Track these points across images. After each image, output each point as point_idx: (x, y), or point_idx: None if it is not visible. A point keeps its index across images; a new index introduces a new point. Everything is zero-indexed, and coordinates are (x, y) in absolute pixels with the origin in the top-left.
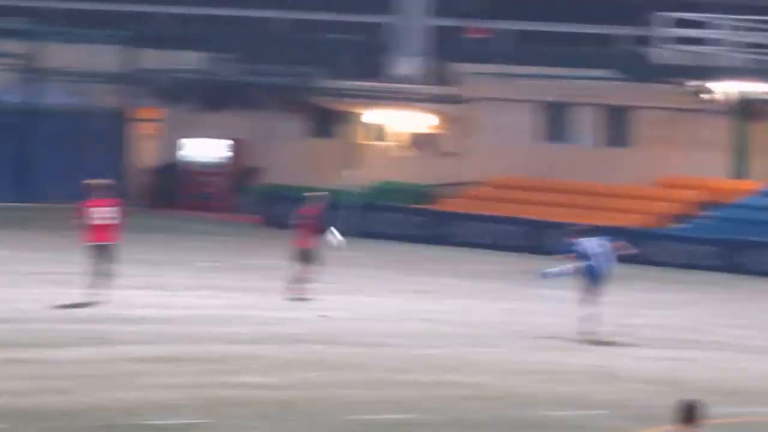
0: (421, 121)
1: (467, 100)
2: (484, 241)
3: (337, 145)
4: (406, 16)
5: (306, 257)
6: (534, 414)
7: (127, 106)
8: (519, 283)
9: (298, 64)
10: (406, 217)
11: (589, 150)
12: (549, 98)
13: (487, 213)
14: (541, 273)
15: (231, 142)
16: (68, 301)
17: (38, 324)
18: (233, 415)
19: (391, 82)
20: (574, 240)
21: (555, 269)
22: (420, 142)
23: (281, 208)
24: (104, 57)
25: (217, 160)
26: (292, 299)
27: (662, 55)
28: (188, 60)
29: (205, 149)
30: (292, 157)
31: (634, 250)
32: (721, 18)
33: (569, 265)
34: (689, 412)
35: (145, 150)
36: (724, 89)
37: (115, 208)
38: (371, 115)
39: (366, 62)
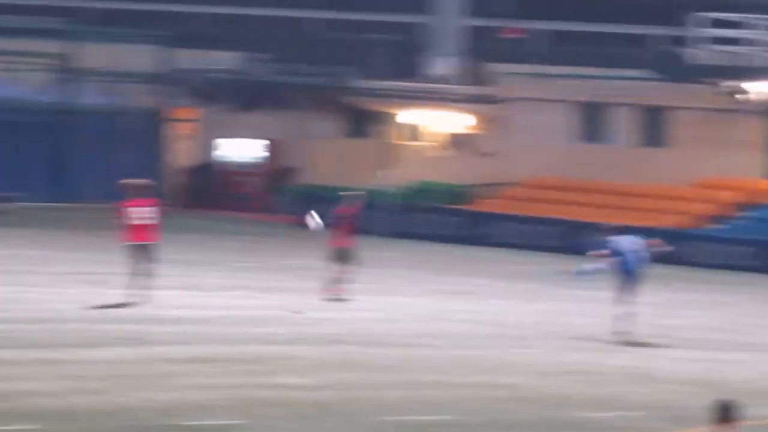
0: (457, 121)
1: (502, 101)
2: (520, 241)
3: (373, 145)
4: (441, 16)
5: (342, 257)
6: (569, 415)
7: (163, 106)
8: (554, 284)
9: (333, 64)
10: (442, 218)
11: (625, 150)
12: (584, 98)
13: (523, 213)
14: (575, 272)
15: (266, 142)
16: (104, 302)
17: (74, 324)
18: (269, 416)
19: (426, 82)
20: (607, 237)
21: (589, 267)
22: (457, 142)
23: (317, 208)
24: (139, 57)
25: (252, 160)
26: (329, 299)
27: (698, 55)
28: (223, 60)
29: (241, 149)
30: (328, 157)
31: (668, 248)
32: (756, 18)
33: (603, 263)
34: (725, 413)
35: (180, 150)
36: (759, 89)
37: (153, 209)
38: (406, 115)
39: (401, 62)
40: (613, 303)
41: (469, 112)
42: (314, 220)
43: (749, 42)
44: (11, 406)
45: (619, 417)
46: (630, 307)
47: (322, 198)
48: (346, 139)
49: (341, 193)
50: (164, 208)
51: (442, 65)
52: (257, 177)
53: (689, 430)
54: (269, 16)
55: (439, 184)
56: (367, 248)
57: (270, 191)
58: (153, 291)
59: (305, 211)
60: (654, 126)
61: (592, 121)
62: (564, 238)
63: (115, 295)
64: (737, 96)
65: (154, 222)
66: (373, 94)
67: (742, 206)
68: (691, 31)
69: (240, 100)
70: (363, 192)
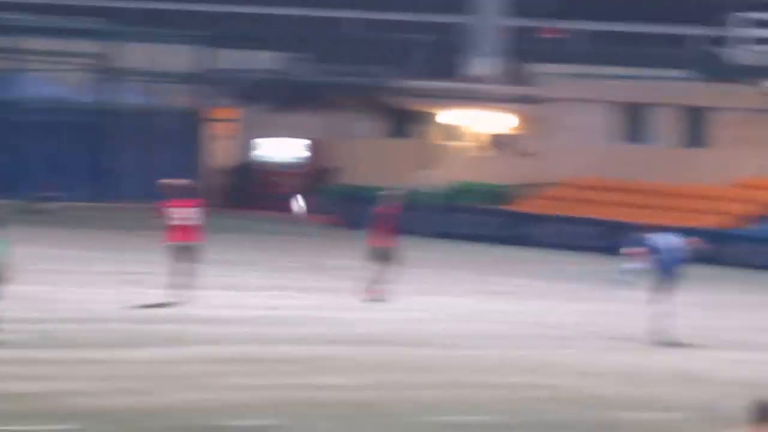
0: (498, 121)
1: (543, 101)
2: (560, 241)
3: (413, 146)
4: (481, 16)
5: (383, 257)
6: (609, 416)
7: (202, 106)
8: (594, 284)
9: (373, 64)
10: (483, 218)
11: (665, 151)
12: (625, 99)
13: (563, 214)
14: (617, 272)
15: (306, 142)
16: (143, 302)
17: (113, 324)
18: (308, 417)
19: (466, 82)
20: (646, 235)
21: (630, 266)
22: (497, 142)
23: (357, 208)
24: (178, 57)
25: (292, 161)
26: (370, 300)
27: (738, 55)
28: (263, 60)
29: (280, 149)
30: (368, 157)
31: (707, 246)
32: None
33: (642, 262)
34: (763, 413)
35: (220, 150)
36: None
37: (197, 209)
38: (447, 116)
39: (441, 62)
40: (651, 303)
41: (510, 112)
42: (298, 204)
43: None
44: (50, 406)
45: (659, 418)
46: (668, 306)
47: (362, 198)
48: (387, 139)
49: (381, 192)
50: (204, 208)
51: (482, 65)
52: (297, 177)
53: (729, 431)
54: (309, 17)
55: (479, 185)
56: (408, 248)
57: (310, 191)
58: (193, 291)
59: (345, 210)
60: (694, 126)
61: (633, 121)
62: (604, 239)
63: (155, 295)
64: None
65: (198, 223)
66: (414, 94)
67: None
68: (732, 31)
69: (280, 100)
70: (403, 192)
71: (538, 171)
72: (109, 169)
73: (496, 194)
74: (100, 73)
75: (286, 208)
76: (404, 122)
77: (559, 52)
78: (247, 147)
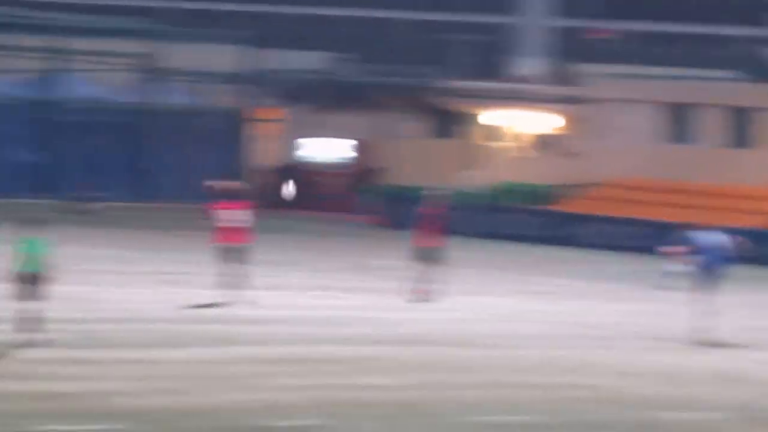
0: (542, 121)
1: (588, 101)
2: (604, 242)
3: (458, 146)
4: (527, 17)
5: (427, 257)
6: (650, 416)
7: (246, 106)
8: (635, 284)
9: (418, 65)
10: (526, 218)
11: (711, 151)
12: (670, 99)
13: (607, 214)
14: (663, 272)
15: (351, 142)
16: (186, 302)
17: (155, 324)
18: (352, 417)
19: (511, 83)
20: (690, 233)
21: (672, 268)
22: (542, 142)
23: (402, 208)
24: (224, 57)
25: (337, 161)
26: (415, 300)
27: None
28: (309, 60)
29: (326, 149)
30: (413, 157)
31: (751, 246)
32: None
33: (684, 264)
34: None
35: (265, 150)
36: None
37: (246, 211)
38: (492, 116)
39: (487, 62)
40: (692, 302)
41: (555, 112)
42: (289, 189)
43: None
44: (91, 406)
45: (698, 418)
46: (710, 306)
47: (406, 198)
48: (432, 139)
49: (425, 192)
50: (252, 210)
51: (527, 65)
52: (342, 177)
53: None
54: (355, 17)
55: (523, 185)
56: (452, 248)
57: (354, 191)
58: (241, 292)
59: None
60: (740, 127)
61: (678, 121)
62: (648, 239)
63: (198, 296)
64: None
65: (246, 225)
66: (459, 94)
67: None
68: None
69: (325, 100)
70: (447, 192)
71: (583, 171)
72: (151, 170)
73: (540, 195)
74: (144, 73)
75: (331, 208)
76: (449, 122)
77: (604, 52)
78: (292, 147)
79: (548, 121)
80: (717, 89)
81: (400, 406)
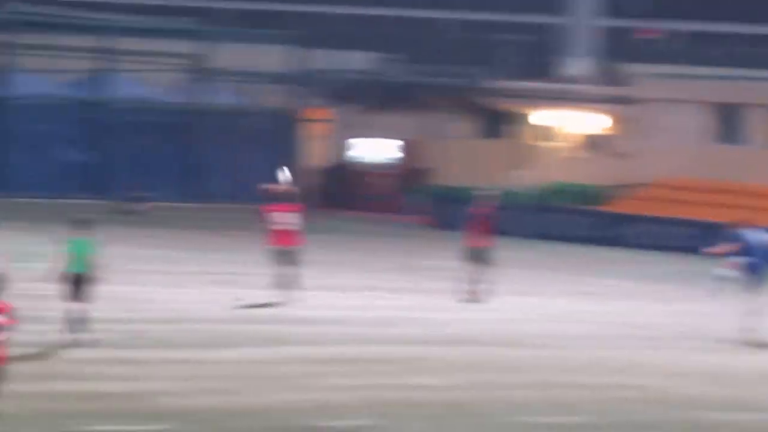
0: (591, 121)
1: (637, 101)
2: (653, 242)
3: (506, 146)
4: (575, 17)
5: (477, 257)
6: (697, 416)
7: (295, 106)
8: (684, 285)
9: (466, 65)
10: (576, 219)
11: (759, 152)
12: (719, 99)
13: (656, 214)
14: (710, 278)
15: (400, 142)
16: (236, 302)
17: (205, 324)
18: (402, 417)
19: (559, 83)
20: (737, 231)
21: (722, 272)
22: (591, 143)
23: (451, 208)
24: (272, 57)
25: (386, 161)
26: (465, 300)
27: None
28: (356, 60)
29: (374, 150)
30: (461, 157)
31: None
32: None
33: (733, 264)
34: None
35: (313, 150)
36: None
37: (297, 214)
38: (540, 116)
39: (535, 62)
40: (740, 302)
41: (603, 112)
42: (285, 174)
43: None
44: (139, 406)
45: (744, 418)
46: (756, 306)
47: (455, 198)
48: (480, 139)
49: (475, 192)
50: (303, 213)
51: (576, 66)
52: (390, 177)
53: None
54: (403, 17)
55: (573, 185)
56: (501, 248)
57: (403, 191)
58: (290, 292)
59: (438, 211)
60: None
61: (727, 122)
62: (696, 239)
63: (246, 296)
64: None
65: (298, 227)
66: (507, 94)
67: None
68: None
69: (373, 100)
70: (497, 192)
71: (631, 171)
72: (200, 170)
73: (589, 195)
74: (192, 73)
75: (378, 208)
76: (497, 123)
77: (652, 52)
78: (340, 148)
79: (596, 121)
80: (764, 89)
81: (449, 406)
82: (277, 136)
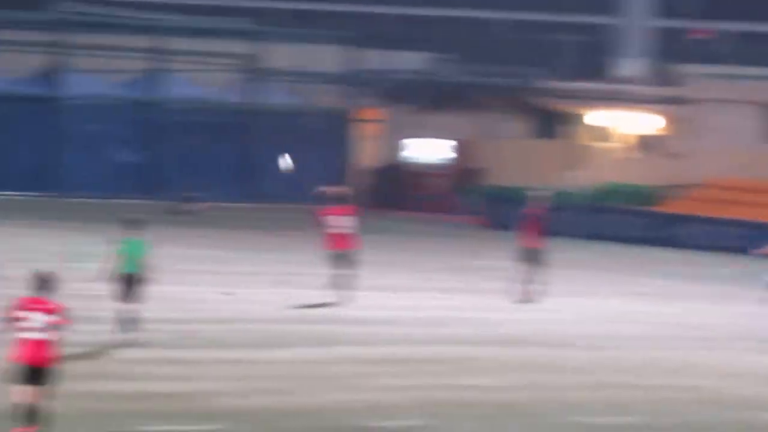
0: (645, 122)
1: (690, 102)
2: (706, 242)
3: (560, 146)
4: (629, 17)
5: (531, 258)
6: (752, 418)
7: (348, 106)
8: (737, 285)
9: (520, 65)
10: (630, 219)
11: None
12: None
13: (709, 215)
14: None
15: (453, 142)
16: (289, 302)
17: (258, 324)
18: (453, 417)
19: (613, 83)
20: None
21: None
22: (645, 143)
23: (504, 208)
24: (325, 57)
25: (439, 161)
26: (518, 301)
27: None
28: (410, 60)
29: (427, 150)
30: (515, 157)
31: None
32: None
33: None
34: None
35: (366, 150)
36: None
37: (351, 217)
38: (594, 116)
39: (588, 63)
40: None
41: (657, 113)
42: (286, 161)
43: None
44: (190, 406)
45: None
46: None
47: (508, 199)
48: (533, 139)
49: (528, 193)
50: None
51: (629, 66)
52: (443, 177)
53: None
54: (456, 17)
55: (626, 186)
56: (555, 249)
57: (456, 192)
58: (343, 293)
59: (491, 211)
60: None
61: None
62: (749, 240)
63: (299, 296)
64: None
65: (352, 230)
66: (560, 94)
67: None
68: None
69: (426, 100)
70: (550, 193)
71: (684, 172)
72: (255, 170)
73: (643, 195)
74: (246, 73)
75: (431, 208)
76: (550, 123)
77: (706, 52)
78: (393, 148)
79: (649, 122)
80: None
81: (501, 407)
82: (330, 137)
